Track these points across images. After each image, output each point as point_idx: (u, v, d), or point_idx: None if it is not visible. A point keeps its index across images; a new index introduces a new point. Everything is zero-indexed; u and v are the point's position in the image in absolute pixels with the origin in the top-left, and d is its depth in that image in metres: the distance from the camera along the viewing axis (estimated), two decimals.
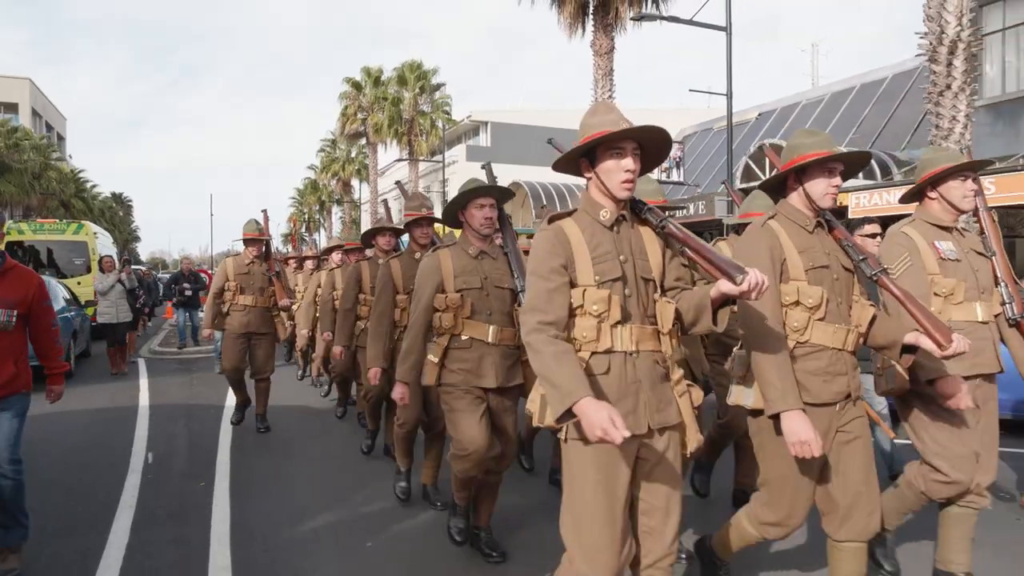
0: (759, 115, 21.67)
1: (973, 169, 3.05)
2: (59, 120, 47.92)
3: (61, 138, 47.15)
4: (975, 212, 3.17)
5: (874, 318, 2.58)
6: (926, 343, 2.47)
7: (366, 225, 35.49)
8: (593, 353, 2.18)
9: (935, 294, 2.96)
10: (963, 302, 2.96)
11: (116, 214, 54.29)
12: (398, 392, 3.61)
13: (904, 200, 3.22)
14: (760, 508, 2.68)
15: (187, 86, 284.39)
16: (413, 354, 3.47)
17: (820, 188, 2.53)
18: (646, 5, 15.67)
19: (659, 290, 2.28)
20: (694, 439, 2.28)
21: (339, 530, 4.04)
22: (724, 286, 2.06)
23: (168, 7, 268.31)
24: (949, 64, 8.38)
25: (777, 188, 2.72)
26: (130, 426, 6.79)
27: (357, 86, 32.55)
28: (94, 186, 44.89)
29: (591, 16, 15.80)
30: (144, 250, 51.86)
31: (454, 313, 3.32)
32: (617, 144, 2.18)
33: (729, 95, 11.75)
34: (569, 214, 2.29)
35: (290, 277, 9.87)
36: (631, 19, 14.62)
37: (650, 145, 2.25)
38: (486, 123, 38.82)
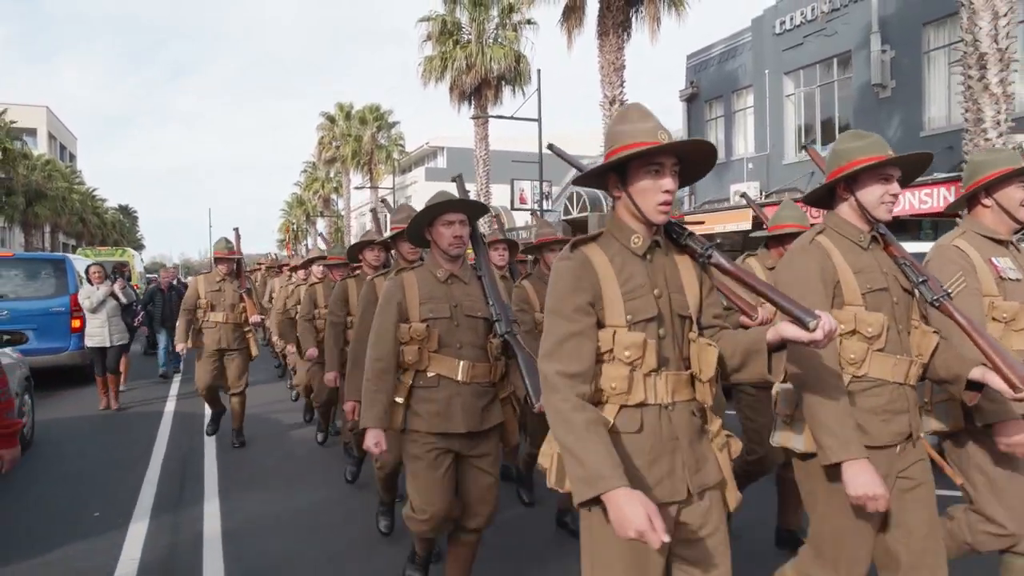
0: None
1: None
2: (71, 140, 53.76)
3: (73, 157, 53.03)
4: None
5: (937, 347, 2.28)
6: (996, 382, 2.16)
7: (347, 236, 41.98)
8: (622, 407, 1.85)
9: (993, 319, 2.55)
10: None
11: (124, 225, 61.03)
12: (371, 438, 2.95)
13: (952, 208, 2.93)
14: (811, 565, 2.29)
15: (182, 84, 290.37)
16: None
17: (875, 197, 2.22)
18: (515, 90, 22.98)
19: (695, 329, 1.96)
20: (734, 497, 1.99)
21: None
22: (789, 331, 1.75)
23: (165, 6, 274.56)
24: None
25: (824, 200, 2.39)
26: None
27: (331, 119, 39.33)
28: (104, 201, 51.69)
29: (471, 98, 23.08)
30: (146, 256, 58.38)
31: (419, 346, 2.90)
32: (655, 160, 1.83)
33: (540, 182, 18.57)
34: (594, 238, 1.94)
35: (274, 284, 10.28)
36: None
37: (692, 159, 1.91)
38: (443, 148, 45.50)
